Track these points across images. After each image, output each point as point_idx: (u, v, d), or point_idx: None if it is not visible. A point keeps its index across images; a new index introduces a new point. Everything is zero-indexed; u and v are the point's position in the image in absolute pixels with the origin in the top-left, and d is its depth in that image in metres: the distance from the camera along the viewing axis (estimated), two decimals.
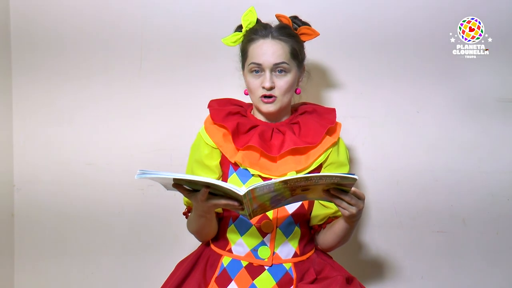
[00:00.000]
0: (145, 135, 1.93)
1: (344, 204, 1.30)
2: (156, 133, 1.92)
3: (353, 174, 1.20)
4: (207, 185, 1.25)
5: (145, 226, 1.96)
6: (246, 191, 1.20)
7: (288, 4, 1.84)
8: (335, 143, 1.51)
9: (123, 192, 1.95)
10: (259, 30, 1.48)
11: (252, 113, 1.56)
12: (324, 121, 1.51)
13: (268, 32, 1.47)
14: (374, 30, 1.85)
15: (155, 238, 1.96)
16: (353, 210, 1.30)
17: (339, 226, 1.44)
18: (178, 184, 1.29)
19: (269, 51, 1.45)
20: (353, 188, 1.28)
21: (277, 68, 1.45)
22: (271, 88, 1.45)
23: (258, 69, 1.46)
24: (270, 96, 1.46)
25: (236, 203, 1.26)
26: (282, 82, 1.46)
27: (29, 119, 1.97)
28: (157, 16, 1.90)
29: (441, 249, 1.89)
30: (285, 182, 1.20)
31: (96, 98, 1.94)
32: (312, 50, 1.79)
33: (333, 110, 1.55)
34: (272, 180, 1.20)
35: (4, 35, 1.94)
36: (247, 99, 1.60)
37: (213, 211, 1.41)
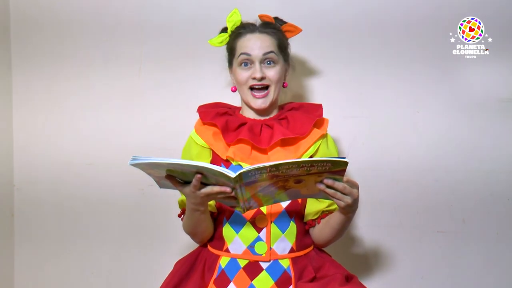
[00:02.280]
0: (145, 135, 1.93)
1: (339, 195, 1.28)
2: (156, 133, 1.92)
3: (344, 158, 1.20)
4: (199, 172, 1.24)
5: (145, 226, 1.96)
6: (237, 173, 1.19)
7: (285, 4, 1.84)
8: (324, 136, 1.54)
9: (123, 192, 1.95)
10: (245, 26, 1.55)
11: (240, 112, 1.60)
12: (311, 115, 1.54)
13: (254, 27, 1.54)
14: (374, 30, 1.85)
15: (155, 238, 1.96)
16: (349, 199, 1.29)
17: (335, 219, 1.42)
18: (171, 176, 1.29)
19: (257, 42, 1.50)
20: (345, 177, 1.27)
21: (265, 60, 1.50)
22: (262, 79, 1.49)
23: (247, 61, 1.50)
24: (262, 88, 1.50)
25: (228, 189, 1.25)
26: (272, 72, 1.51)
27: (29, 119, 1.97)
28: (157, 17, 1.90)
29: (441, 249, 1.89)
30: (276, 167, 1.19)
31: (97, 98, 1.94)
32: (312, 50, 1.81)
33: (320, 106, 1.59)
34: (264, 164, 1.19)
35: (5, 35, 1.94)
36: (238, 99, 1.61)
37: (206, 203, 1.39)
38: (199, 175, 1.25)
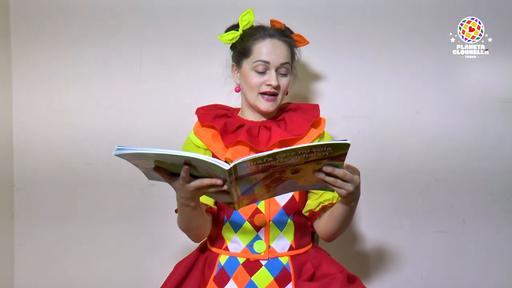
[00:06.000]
0: (145, 135, 1.93)
1: (339, 182, 1.22)
2: (156, 132, 1.92)
3: (345, 140, 1.12)
4: (189, 163, 1.17)
5: (145, 226, 1.96)
6: (232, 164, 1.13)
7: (285, 5, 1.84)
8: (321, 135, 1.55)
9: (123, 192, 1.95)
10: (263, 29, 1.52)
11: (239, 114, 1.60)
12: (308, 116, 1.55)
13: (274, 32, 1.51)
14: (374, 30, 1.85)
15: (154, 238, 1.96)
16: (350, 187, 1.23)
17: (338, 210, 1.37)
18: (160, 167, 1.21)
19: (277, 50, 1.49)
20: (345, 163, 1.20)
21: (281, 68, 1.50)
22: (277, 87, 1.49)
23: (263, 67, 1.49)
24: (273, 94, 1.50)
25: (219, 181, 1.17)
26: (284, 81, 1.51)
27: (29, 119, 1.98)
28: (158, 17, 1.90)
29: (441, 249, 1.89)
30: (273, 156, 1.12)
31: (96, 98, 1.95)
32: (313, 50, 1.80)
33: (317, 106, 1.59)
34: (260, 154, 1.12)
35: (4, 34, 1.94)
36: (234, 98, 1.60)
37: (197, 198, 1.32)
38: (187, 166, 1.17)
